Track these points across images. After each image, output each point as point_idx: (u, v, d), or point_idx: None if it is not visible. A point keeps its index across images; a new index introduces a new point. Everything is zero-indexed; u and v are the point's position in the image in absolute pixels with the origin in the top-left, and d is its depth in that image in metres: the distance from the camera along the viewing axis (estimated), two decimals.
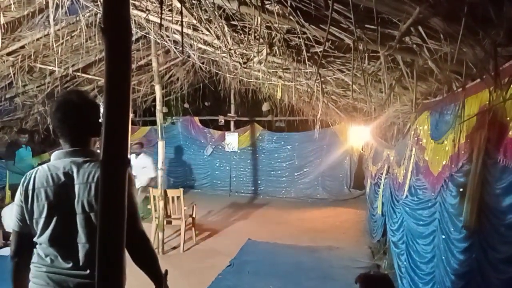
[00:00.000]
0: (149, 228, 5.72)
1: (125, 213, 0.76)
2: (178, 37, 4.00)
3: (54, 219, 1.60)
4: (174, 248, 5.73)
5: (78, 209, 1.60)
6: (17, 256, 1.68)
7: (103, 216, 0.76)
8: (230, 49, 3.35)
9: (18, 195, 1.66)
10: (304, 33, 2.39)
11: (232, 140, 9.67)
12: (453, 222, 2.36)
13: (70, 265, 1.60)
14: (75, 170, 1.62)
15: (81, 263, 1.60)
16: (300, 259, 5.29)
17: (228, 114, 9.80)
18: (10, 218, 6.18)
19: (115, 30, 0.78)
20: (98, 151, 1.13)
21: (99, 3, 3.87)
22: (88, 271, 1.59)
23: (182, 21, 2.22)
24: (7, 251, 5.47)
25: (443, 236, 2.53)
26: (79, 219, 1.60)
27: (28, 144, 7.14)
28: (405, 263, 3.47)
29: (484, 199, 1.95)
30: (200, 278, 4.61)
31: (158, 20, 3.38)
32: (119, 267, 0.77)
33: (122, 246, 0.77)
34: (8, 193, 6.99)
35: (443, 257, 2.50)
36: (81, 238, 1.60)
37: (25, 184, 1.64)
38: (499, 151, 1.76)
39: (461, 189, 2.24)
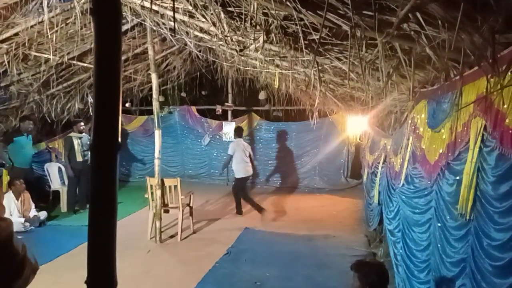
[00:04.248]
0: (147, 217, 5.75)
1: (115, 197, 0.75)
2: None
3: None
4: (172, 236, 5.75)
5: None
6: None
7: (94, 200, 0.75)
8: (226, 36, 3.31)
9: None
10: (301, 19, 2.36)
11: (230, 129, 9.65)
12: (449, 210, 2.37)
13: None
14: None
15: None
16: (296, 247, 5.32)
17: (226, 104, 9.74)
18: (7, 207, 6.16)
19: (104, 10, 0.76)
20: None
21: None
22: None
23: (174, 5, 2.18)
24: None
25: (439, 224, 2.54)
26: None
27: (30, 132, 7.02)
28: (401, 251, 3.50)
29: (480, 187, 1.96)
30: (198, 266, 4.63)
31: (152, 6, 3.33)
32: (111, 247, 0.77)
33: (114, 228, 0.77)
34: (5, 181, 6.93)
35: (439, 245, 2.52)
36: None
37: None
38: (495, 139, 1.76)
39: (457, 177, 2.24)
